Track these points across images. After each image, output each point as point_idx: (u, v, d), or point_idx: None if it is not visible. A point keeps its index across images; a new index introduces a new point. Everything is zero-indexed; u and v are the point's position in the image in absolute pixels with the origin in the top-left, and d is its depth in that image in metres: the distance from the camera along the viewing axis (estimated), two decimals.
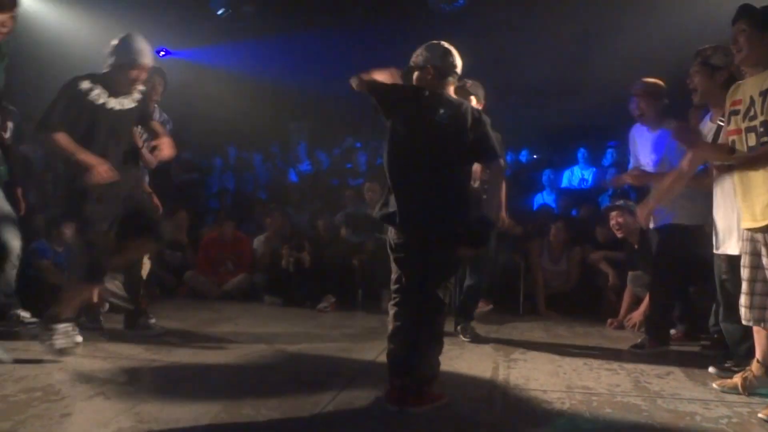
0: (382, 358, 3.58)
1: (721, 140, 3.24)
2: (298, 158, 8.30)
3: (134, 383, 3.03)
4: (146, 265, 4.65)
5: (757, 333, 2.92)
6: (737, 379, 2.97)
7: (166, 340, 3.98)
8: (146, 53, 3.45)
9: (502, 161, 2.91)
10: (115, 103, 3.48)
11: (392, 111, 2.75)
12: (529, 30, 7.61)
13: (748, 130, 2.79)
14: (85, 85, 3.40)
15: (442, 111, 2.68)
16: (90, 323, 4.19)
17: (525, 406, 2.80)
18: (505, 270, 5.32)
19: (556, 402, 2.81)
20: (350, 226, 6.08)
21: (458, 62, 2.84)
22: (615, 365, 3.53)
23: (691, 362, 3.61)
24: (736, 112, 2.87)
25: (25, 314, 4.31)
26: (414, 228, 2.69)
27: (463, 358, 3.67)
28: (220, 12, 7.63)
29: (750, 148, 2.79)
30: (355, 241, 5.89)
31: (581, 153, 7.52)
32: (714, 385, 3.06)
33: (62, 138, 3.30)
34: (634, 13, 6.99)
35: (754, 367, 2.94)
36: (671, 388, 3.07)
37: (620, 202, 4.93)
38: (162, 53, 8.24)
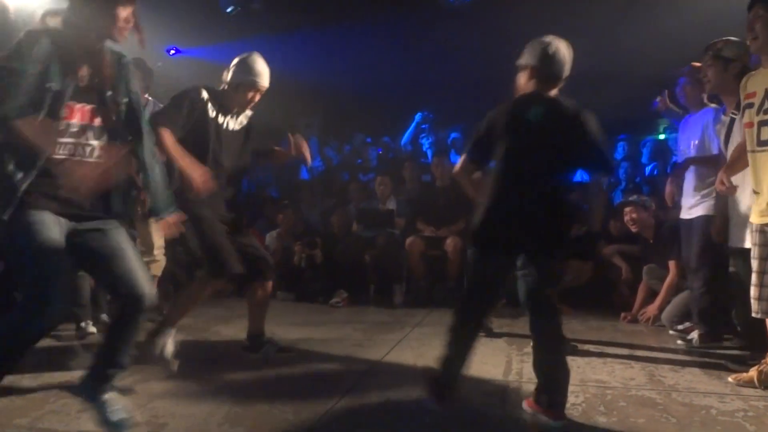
0: (395, 353, 3.61)
1: (734, 133, 3.20)
2: (310, 154, 8.31)
3: (149, 379, 3.05)
4: (160, 263, 4.67)
5: None
6: (753, 372, 2.94)
7: (179, 337, 4.00)
8: (266, 76, 3.34)
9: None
10: (227, 122, 3.34)
11: (498, 141, 2.56)
12: (538, 24, 7.56)
13: (762, 123, 2.76)
14: (205, 95, 3.24)
15: (539, 112, 2.53)
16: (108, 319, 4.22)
17: None
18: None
19: (570, 396, 2.77)
20: (362, 221, 6.08)
21: (561, 61, 2.60)
22: (629, 359, 3.51)
23: (707, 355, 3.58)
24: (750, 105, 2.83)
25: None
26: (527, 244, 2.57)
27: (476, 352, 3.62)
28: (229, 9, 7.65)
29: (762, 142, 2.76)
30: (367, 237, 5.89)
31: None
32: (729, 379, 3.03)
33: (169, 138, 3.03)
34: (646, 6, 6.93)
35: None
36: (686, 382, 3.05)
37: (634, 198, 4.90)
38: (172, 52, 8.28)
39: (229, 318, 4.76)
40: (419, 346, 3.80)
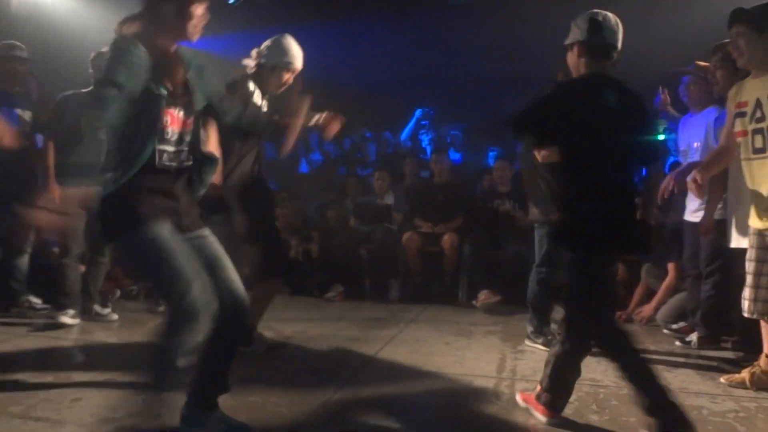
0: (389, 348, 3.62)
1: (720, 140, 3.20)
2: (310, 148, 8.30)
3: (143, 369, 3.06)
4: None
5: (764, 327, 2.91)
6: (745, 374, 2.95)
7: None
8: (300, 58, 3.33)
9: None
10: (263, 104, 3.31)
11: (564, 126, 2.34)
12: (540, 23, 7.55)
13: (756, 132, 2.78)
14: (251, 86, 3.24)
15: (611, 95, 2.32)
16: (101, 309, 4.23)
17: None
18: (512, 261, 5.30)
19: None
20: (359, 216, 6.08)
21: (612, 29, 2.42)
22: None
23: (700, 356, 3.59)
24: (742, 114, 2.85)
25: (36, 300, 4.37)
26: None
27: (470, 349, 3.68)
28: (232, 1, 7.62)
29: (757, 150, 2.78)
30: (364, 231, 5.89)
31: None
32: (722, 380, 3.04)
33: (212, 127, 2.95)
34: (647, 6, 6.91)
35: (762, 361, 2.93)
36: (679, 382, 3.06)
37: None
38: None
39: None
40: (414, 341, 3.81)
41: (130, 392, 2.65)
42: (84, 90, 4.08)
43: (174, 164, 2.13)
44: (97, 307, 4.20)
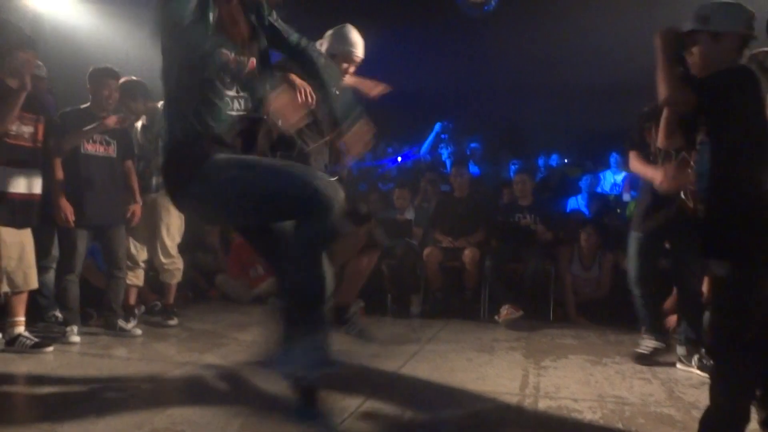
0: (411, 365, 3.60)
1: None
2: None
3: (167, 385, 3.08)
4: (171, 271, 4.71)
5: None
6: None
7: (198, 343, 4.04)
8: (362, 47, 3.30)
9: None
10: None
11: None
12: (558, 36, 7.54)
13: None
14: None
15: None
16: (125, 324, 4.28)
17: (555, 416, 2.77)
18: (534, 276, 5.26)
19: (587, 411, 2.77)
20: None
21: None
22: (648, 374, 3.47)
23: None
24: None
25: (61, 315, 4.42)
26: None
27: (493, 365, 3.64)
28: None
29: None
30: (385, 246, 5.88)
31: (614, 157, 7.42)
32: None
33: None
34: (670, 11, 6.86)
35: None
36: (706, 399, 2.98)
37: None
38: None
39: (246, 324, 4.78)
40: (435, 358, 3.79)
41: (153, 409, 2.67)
42: (82, 107, 4.16)
43: (235, 113, 2.03)
44: (121, 322, 4.24)
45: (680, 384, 3.26)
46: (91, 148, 4.12)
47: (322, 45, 3.29)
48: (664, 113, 2.55)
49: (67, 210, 3.98)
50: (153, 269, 4.81)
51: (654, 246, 3.78)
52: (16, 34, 3.67)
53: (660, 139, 2.65)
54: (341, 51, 3.24)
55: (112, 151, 4.21)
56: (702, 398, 3.00)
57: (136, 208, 4.35)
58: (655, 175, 3.55)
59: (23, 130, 3.66)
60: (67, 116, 4.11)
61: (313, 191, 1.83)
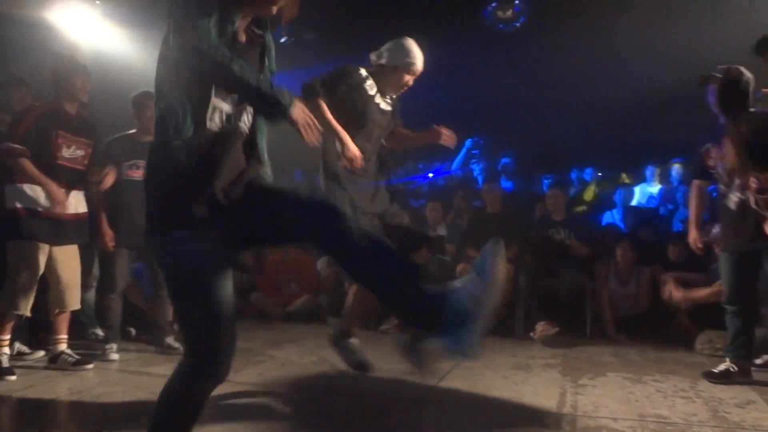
0: (445, 382, 3.57)
1: None
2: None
3: None
4: None
5: None
6: None
7: (234, 361, 4.06)
8: (421, 60, 3.31)
9: None
10: (381, 102, 3.30)
11: None
12: (588, 50, 7.48)
13: None
14: (364, 72, 3.25)
15: None
16: (173, 341, 4.34)
17: None
18: (570, 292, 5.18)
19: (627, 431, 2.70)
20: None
21: None
22: (690, 393, 3.37)
23: None
24: None
25: (101, 333, 4.52)
26: None
27: (529, 383, 3.59)
28: (283, 40, 7.86)
29: None
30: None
31: (650, 170, 7.30)
32: None
33: (323, 104, 3.06)
34: (704, 24, 6.76)
35: None
36: (752, 419, 2.90)
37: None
38: None
39: (281, 342, 4.81)
40: (471, 375, 3.74)
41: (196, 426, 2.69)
42: (127, 133, 4.26)
43: (230, 126, 1.80)
44: (169, 340, 4.30)
45: (724, 403, 3.16)
46: (133, 174, 4.20)
47: (381, 57, 3.30)
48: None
49: (107, 236, 4.10)
50: None
51: (747, 263, 3.62)
52: (70, 61, 3.88)
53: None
54: (402, 63, 3.25)
55: None
56: (747, 418, 2.91)
57: None
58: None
59: (77, 153, 3.85)
60: (112, 143, 4.23)
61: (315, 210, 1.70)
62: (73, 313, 4.56)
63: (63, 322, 3.89)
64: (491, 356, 4.32)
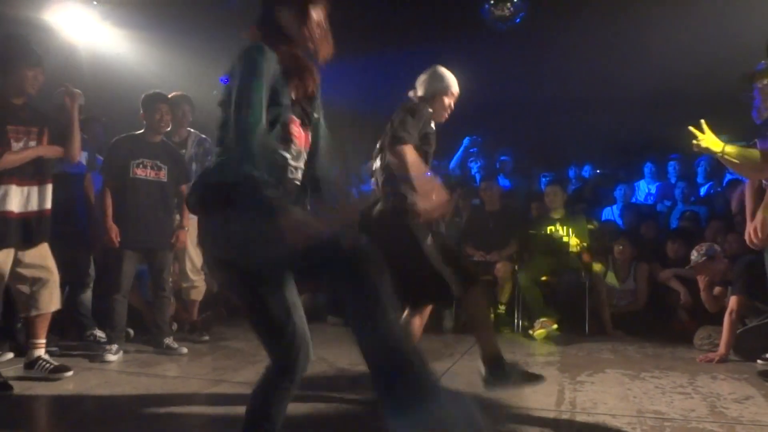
0: (444, 380, 3.57)
1: None
2: (362, 179, 8.34)
3: (202, 403, 3.11)
4: (200, 288, 4.80)
5: None
6: None
7: (232, 361, 4.08)
8: (455, 81, 3.37)
9: None
10: (433, 133, 3.28)
11: None
12: (587, 48, 7.49)
13: None
14: (429, 108, 3.22)
15: None
16: (171, 342, 4.35)
17: None
18: (568, 289, 5.19)
19: (626, 428, 2.71)
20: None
21: None
22: (689, 389, 3.38)
23: None
24: None
25: (100, 334, 4.52)
26: None
27: None
28: None
29: None
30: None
31: (648, 167, 7.30)
32: None
33: (412, 152, 2.91)
34: (699, 22, 6.76)
35: None
36: (751, 414, 2.91)
37: (697, 257, 4.56)
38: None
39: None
40: (469, 373, 3.74)
41: (186, 425, 2.70)
42: (136, 132, 4.27)
43: (289, 179, 1.93)
44: (167, 340, 4.30)
45: (723, 399, 3.17)
46: (140, 172, 4.20)
47: (418, 91, 3.33)
48: None
49: (113, 232, 4.09)
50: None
51: None
52: (23, 50, 3.56)
53: None
54: (441, 89, 3.30)
55: (163, 175, 4.27)
56: (746, 413, 2.92)
57: (181, 234, 4.44)
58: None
59: (31, 145, 3.52)
60: (119, 142, 4.24)
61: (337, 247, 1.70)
62: (73, 313, 4.58)
63: (42, 326, 3.64)
64: None
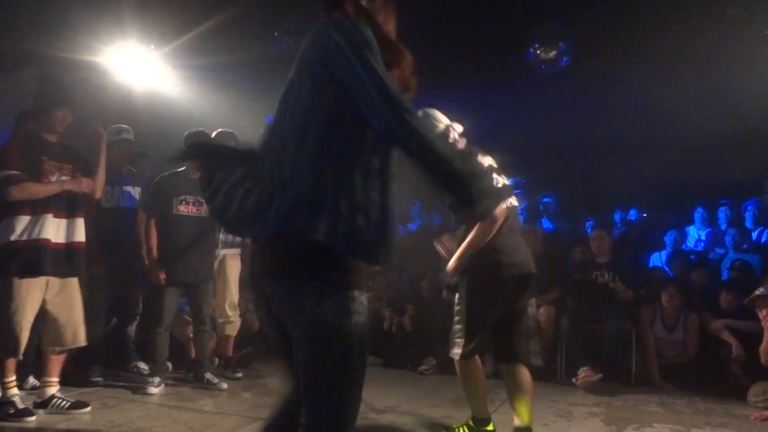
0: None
1: None
2: (409, 217, 8.32)
3: None
4: (235, 324, 4.83)
5: None
6: None
7: (271, 398, 4.07)
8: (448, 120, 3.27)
9: None
10: None
11: None
12: (631, 91, 7.44)
13: None
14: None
15: None
16: (212, 377, 4.39)
17: None
18: (614, 337, 5.03)
19: None
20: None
21: None
22: None
23: None
24: None
25: (143, 366, 4.59)
26: None
27: None
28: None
29: None
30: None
31: (699, 212, 7.10)
32: None
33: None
34: (750, 61, 6.64)
35: None
36: None
37: (762, 291, 4.42)
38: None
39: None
40: (510, 422, 3.64)
41: None
42: (178, 170, 4.39)
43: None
44: (208, 375, 4.35)
45: None
46: (183, 209, 4.32)
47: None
48: None
49: (159, 270, 4.19)
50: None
51: None
52: (54, 90, 3.79)
53: None
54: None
55: (204, 211, 4.35)
56: None
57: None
58: None
59: (63, 179, 3.66)
60: (163, 180, 4.38)
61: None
62: (119, 345, 4.68)
63: (57, 364, 3.65)
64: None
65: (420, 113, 3.03)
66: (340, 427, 1.54)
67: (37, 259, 3.47)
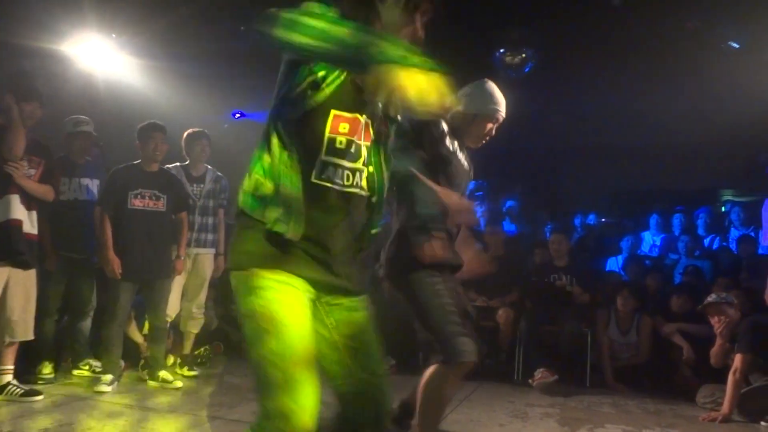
0: (442, 426, 3.50)
1: None
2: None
3: None
4: (199, 321, 4.75)
5: None
6: None
7: (227, 398, 4.03)
8: (504, 105, 2.83)
9: None
10: (462, 158, 2.79)
11: None
12: (596, 94, 7.59)
13: None
14: (445, 126, 2.69)
15: None
16: (167, 375, 4.30)
17: None
18: (570, 339, 5.13)
19: None
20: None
21: None
22: None
23: None
24: None
25: (96, 363, 4.48)
26: None
27: None
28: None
29: None
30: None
31: (654, 219, 7.29)
32: None
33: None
34: (708, 72, 6.84)
35: None
36: None
37: (715, 297, 4.60)
38: (238, 116, 8.67)
39: None
40: (467, 422, 3.69)
41: None
42: (133, 162, 4.30)
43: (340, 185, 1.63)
44: (163, 373, 4.27)
45: None
46: (138, 203, 4.22)
47: (458, 104, 2.73)
48: None
49: (115, 263, 4.09)
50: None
51: None
52: (23, 85, 3.87)
53: None
54: (485, 110, 2.77)
55: (162, 205, 4.28)
56: None
57: (178, 263, 4.44)
58: None
59: (30, 172, 3.80)
60: (117, 172, 4.27)
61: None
62: (72, 341, 4.56)
63: (11, 353, 3.77)
64: (488, 402, 4.27)
65: (476, 84, 2.84)
66: None
67: None
